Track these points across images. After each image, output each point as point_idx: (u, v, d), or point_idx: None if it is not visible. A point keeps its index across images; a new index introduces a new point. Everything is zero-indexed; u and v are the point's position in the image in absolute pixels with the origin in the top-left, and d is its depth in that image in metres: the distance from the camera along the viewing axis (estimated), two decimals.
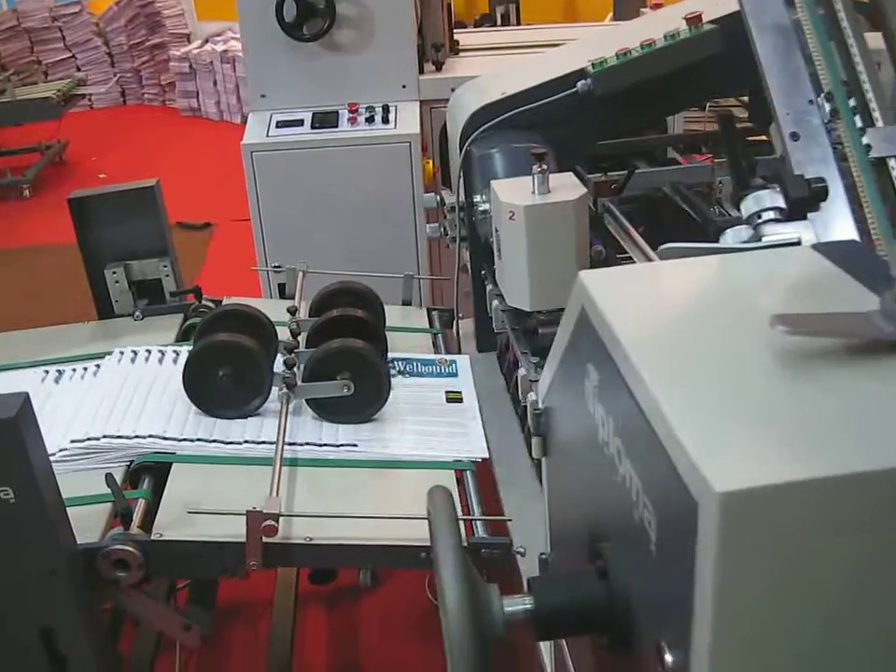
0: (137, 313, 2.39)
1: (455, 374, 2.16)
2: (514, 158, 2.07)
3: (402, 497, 1.74)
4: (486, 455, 1.88)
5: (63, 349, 2.27)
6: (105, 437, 1.81)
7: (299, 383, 1.89)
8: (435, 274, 3.15)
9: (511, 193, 1.85)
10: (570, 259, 1.85)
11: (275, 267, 2.69)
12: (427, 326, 2.44)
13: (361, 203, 3.21)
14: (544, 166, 1.83)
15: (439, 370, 2.17)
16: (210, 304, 2.39)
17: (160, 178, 2.42)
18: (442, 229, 2.44)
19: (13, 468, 1.37)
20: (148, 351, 2.14)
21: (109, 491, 1.63)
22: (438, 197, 2.41)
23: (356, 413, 1.93)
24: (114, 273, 2.40)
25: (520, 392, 1.85)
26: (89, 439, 1.81)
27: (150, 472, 1.78)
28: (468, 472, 1.84)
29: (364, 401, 1.92)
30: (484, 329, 2.43)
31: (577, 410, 1.02)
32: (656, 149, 2.67)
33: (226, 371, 1.88)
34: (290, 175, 3.20)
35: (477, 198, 2.12)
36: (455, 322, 2.42)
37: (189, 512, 1.56)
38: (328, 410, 1.93)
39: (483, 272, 2.32)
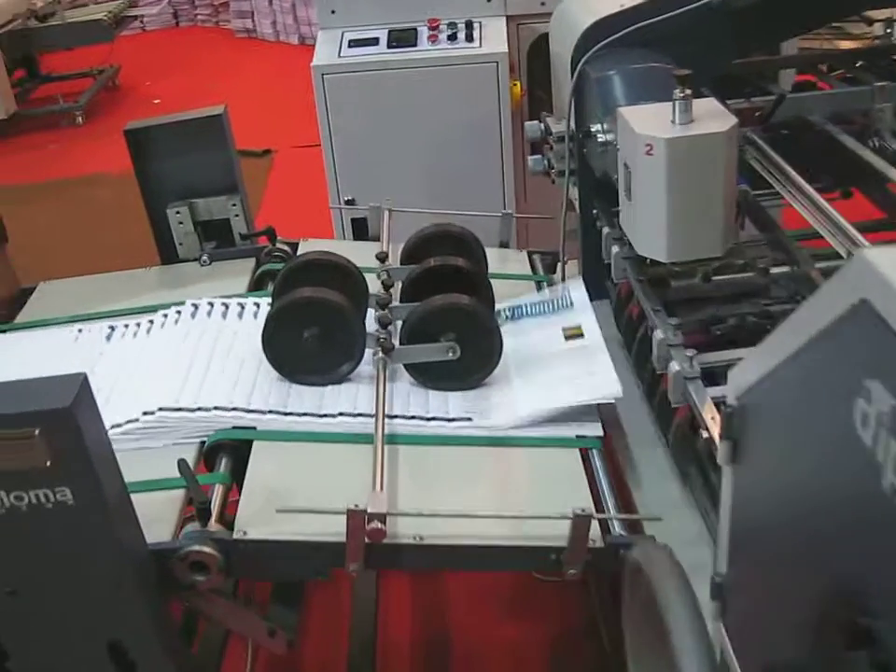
0: (204, 257, 2.14)
1: (569, 305, 1.89)
2: (642, 80, 1.77)
3: (524, 483, 1.49)
4: (619, 394, 1.61)
5: (124, 299, 2.03)
6: (180, 409, 1.57)
7: (396, 345, 1.63)
8: (523, 211, 2.85)
9: (647, 123, 1.55)
10: (717, 201, 1.56)
11: (353, 203, 2.42)
12: (530, 271, 2.16)
13: (441, 131, 2.90)
14: (687, 91, 1.53)
15: (550, 306, 1.90)
16: (285, 248, 2.14)
17: (223, 104, 2.15)
18: (546, 161, 2.14)
19: (71, 464, 1.13)
20: (225, 305, 1.89)
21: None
22: (542, 125, 2.12)
23: (461, 378, 1.67)
24: (177, 212, 2.14)
25: (655, 357, 1.58)
26: (161, 409, 1.57)
27: (227, 451, 1.54)
28: (594, 452, 1.58)
29: (472, 365, 1.66)
30: (593, 275, 2.15)
31: (828, 431, 0.75)
32: (768, 71, 2.33)
33: (312, 332, 1.62)
34: (364, 99, 2.89)
35: (595, 127, 1.82)
36: (561, 267, 2.14)
37: (279, 511, 1.32)
38: (429, 375, 1.67)
39: (594, 210, 2.03)
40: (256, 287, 2.06)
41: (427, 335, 1.63)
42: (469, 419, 1.60)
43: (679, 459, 1.59)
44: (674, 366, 1.50)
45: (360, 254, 2.11)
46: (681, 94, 1.52)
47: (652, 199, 1.56)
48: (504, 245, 2.24)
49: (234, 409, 1.57)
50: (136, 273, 2.17)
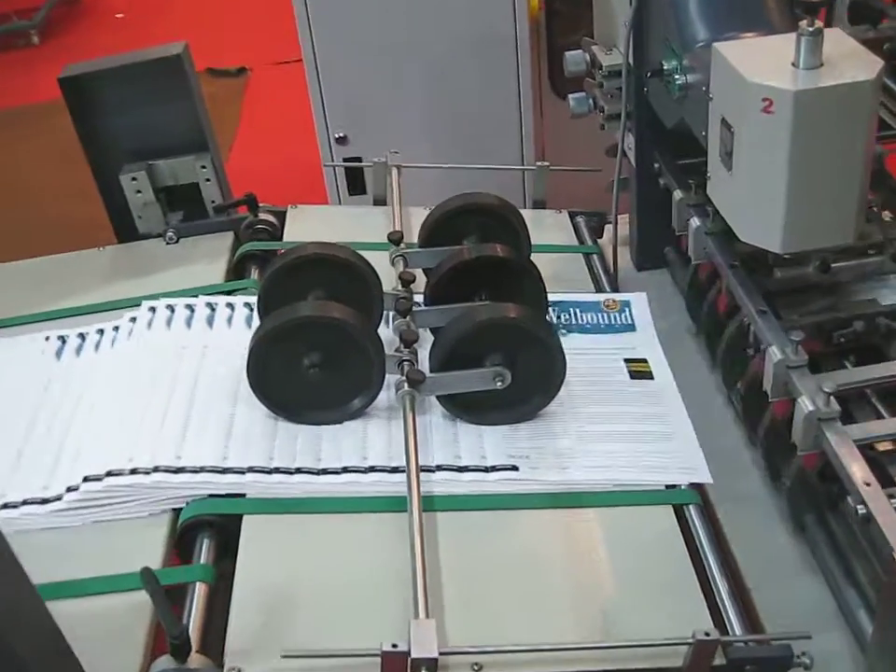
0: (170, 233, 1.73)
1: (630, 326, 1.49)
2: (740, 4, 1.34)
3: (606, 574, 1.11)
4: (709, 478, 1.23)
5: (73, 294, 1.61)
6: (134, 471, 1.18)
7: (426, 374, 1.23)
8: (543, 157, 2.38)
9: (761, 68, 1.13)
10: (854, 174, 1.15)
11: (345, 141, 2.02)
12: (575, 239, 1.76)
13: (444, 49, 2.42)
14: (819, 24, 1.11)
15: (607, 319, 1.50)
16: (270, 220, 1.72)
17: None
18: (591, 101, 1.72)
19: None
20: (190, 308, 1.48)
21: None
22: (587, 56, 1.68)
23: (511, 408, 1.28)
24: (133, 178, 1.72)
25: (769, 382, 1.19)
26: (109, 474, 1.18)
27: (208, 530, 1.16)
28: (691, 510, 1.20)
29: (525, 392, 1.27)
30: (647, 242, 1.75)
31: None
32: None
33: (314, 360, 1.23)
34: (353, 10, 2.41)
35: (668, 64, 1.40)
36: (613, 233, 1.73)
37: (285, 657, 0.94)
38: (468, 407, 1.28)
39: (656, 165, 1.62)
40: (235, 272, 1.65)
41: (468, 358, 1.24)
42: (515, 468, 1.22)
43: (798, 511, 1.22)
44: (805, 404, 1.11)
45: (365, 225, 1.71)
46: (810, 28, 1.10)
47: (767, 170, 1.15)
48: (539, 203, 1.82)
49: (204, 469, 1.18)
50: (87, 256, 1.75)
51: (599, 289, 1.62)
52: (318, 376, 1.23)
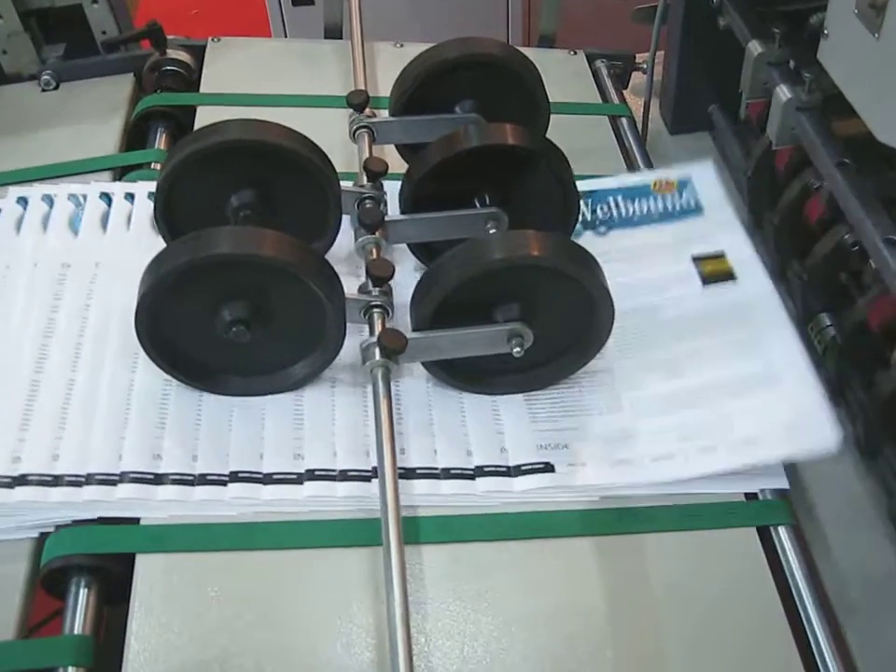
0: (46, 75, 1.26)
1: (695, 210, 1.08)
2: None
3: (671, 630, 0.76)
4: (834, 446, 0.85)
5: None
6: None
7: (408, 334, 0.83)
8: None
9: None
10: None
11: None
12: (596, 93, 1.32)
13: None
14: None
15: (661, 205, 1.09)
16: (183, 59, 1.26)
17: None
18: None
19: None
20: (77, 201, 1.05)
21: None
22: None
23: (534, 372, 0.90)
24: None
25: None
26: None
27: (84, 572, 0.78)
28: (782, 532, 0.84)
29: (551, 350, 0.88)
30: (688, 96, 1.33)
31: None
32: None
33: (238, 312, 0.82)
34: None
35: None
36: (648, 84, 1.30)
37: None
38: (469, 373, 0.89)
39: None
40: (132, 137, 1.21)
41: (470, 311, 0.84)
42: (549, 467, 0.85)
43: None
44: None
45: (313, 70, 1.27)
46: None
47: None
48: (547, 41, 1.37)
49: (89, 475, 0.80)
50: None
51: (631, 166, 1.21)
52: (244, 333, 0.82)
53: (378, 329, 0.84)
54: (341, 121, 1.07)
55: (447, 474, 0.84)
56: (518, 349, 0.83)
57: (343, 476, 0.82)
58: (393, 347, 0.81)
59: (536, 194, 0.95)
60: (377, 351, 0.82)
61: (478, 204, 0.94)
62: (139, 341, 0.83)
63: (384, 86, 1.20)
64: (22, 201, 1.05)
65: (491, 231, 0.92)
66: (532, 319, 0.84)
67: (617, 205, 1.08)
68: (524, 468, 0.85)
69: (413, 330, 0.84)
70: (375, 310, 0.85)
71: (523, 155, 0.93)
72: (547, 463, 0.85)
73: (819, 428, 0.84)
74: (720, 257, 1.00)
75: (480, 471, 0.84)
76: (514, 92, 1.05)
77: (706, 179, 1.09)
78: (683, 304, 0.97)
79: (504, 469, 0.85)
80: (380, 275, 0.85)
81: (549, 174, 0.94)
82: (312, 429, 0.86)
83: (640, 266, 1.01)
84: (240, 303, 0.82)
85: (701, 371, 0.91)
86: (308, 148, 0.90)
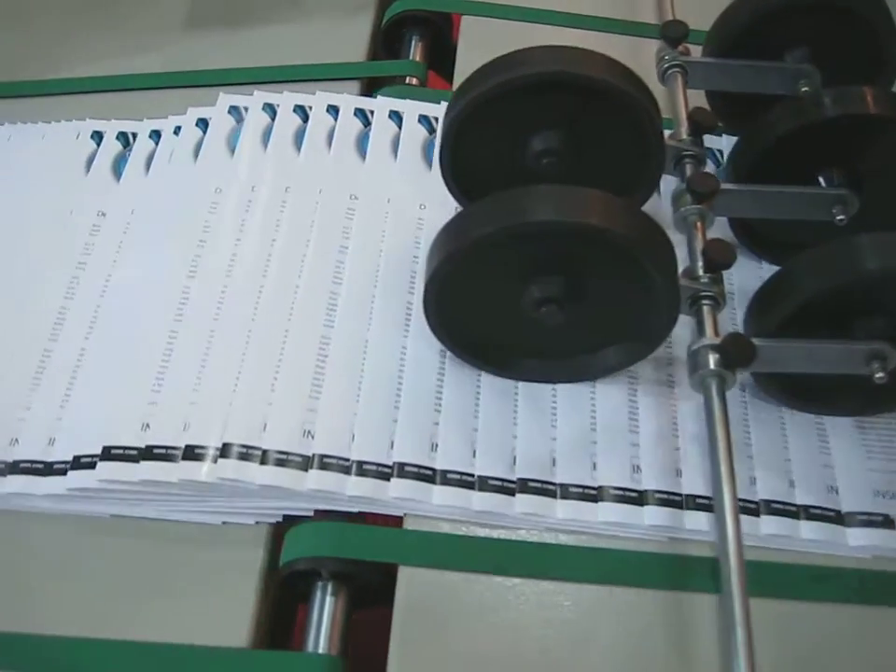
0: None
1: None
2: None
3: None
4: None
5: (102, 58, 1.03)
6: (149, 451, 0.67)
7: (755, 341, 0.67)
8: None
9: None
10: None
11: None
12: None
13: None
14: None
15: None
16: None
17: None
18: None
19: None
20: (302, 113, 0.90)
21: None
22: None
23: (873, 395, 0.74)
24: None
25: None
26: (108, 455, 0.67)
27: (331, 576, 0.66)
28: None
29: None
30: None
31: None
32: None
33: (550, 289, 0.67)
34: None
35: None
36: None
37: None
38: (802, 390, 0.73)
39: None
40: (384, 42, 1.05)
41: (822, 321, 0.67)
42: (889, 522, 0.69)
43: None
44: None
45: None
46: None
47: None
48: None
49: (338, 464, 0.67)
50: None
51: None
52: (555, 313, 0.67)
53: (710, 328, 0.68)
54: (632, 52, 0.90)
55: (768, 509, 0.69)
56: (881, 374, 0.67)
57: (651, 499, 0.68)
58: (739, 356, 0.65)
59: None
60: (713, 358, 0.66)
61: (823, 182, 0.77)
62: (427, 318, 0.69)
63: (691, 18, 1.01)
64: (234, 110, 0.90)
65: (838, 218, 0.75)
66: None
67: None
68: (858, 516, 0.69)
69: (754, 336, 0.68)
70: (705, 302, 0.69)
71: (890, 129, 0.75)
72: (886, 516, 0.69)
73: None
74: None
75: (805, 512, 0.69)
76: (857, 42, 0.86)
77: None
78: None
79: (832, 515, 0.69)
80: (721, 261, 0.69)
81: None
82: (604, 434, 0.71)
83: None
84: (552, 279, 0.67)
85: None
86: (636, 88, 0.74)
